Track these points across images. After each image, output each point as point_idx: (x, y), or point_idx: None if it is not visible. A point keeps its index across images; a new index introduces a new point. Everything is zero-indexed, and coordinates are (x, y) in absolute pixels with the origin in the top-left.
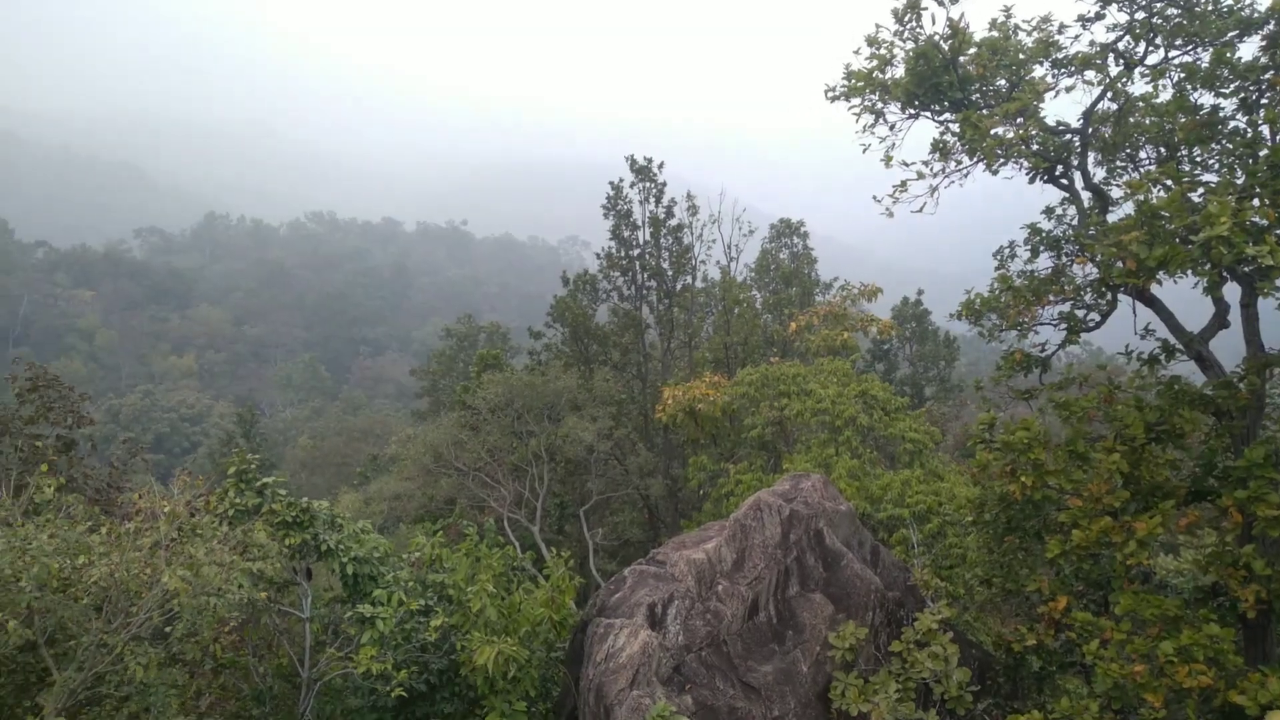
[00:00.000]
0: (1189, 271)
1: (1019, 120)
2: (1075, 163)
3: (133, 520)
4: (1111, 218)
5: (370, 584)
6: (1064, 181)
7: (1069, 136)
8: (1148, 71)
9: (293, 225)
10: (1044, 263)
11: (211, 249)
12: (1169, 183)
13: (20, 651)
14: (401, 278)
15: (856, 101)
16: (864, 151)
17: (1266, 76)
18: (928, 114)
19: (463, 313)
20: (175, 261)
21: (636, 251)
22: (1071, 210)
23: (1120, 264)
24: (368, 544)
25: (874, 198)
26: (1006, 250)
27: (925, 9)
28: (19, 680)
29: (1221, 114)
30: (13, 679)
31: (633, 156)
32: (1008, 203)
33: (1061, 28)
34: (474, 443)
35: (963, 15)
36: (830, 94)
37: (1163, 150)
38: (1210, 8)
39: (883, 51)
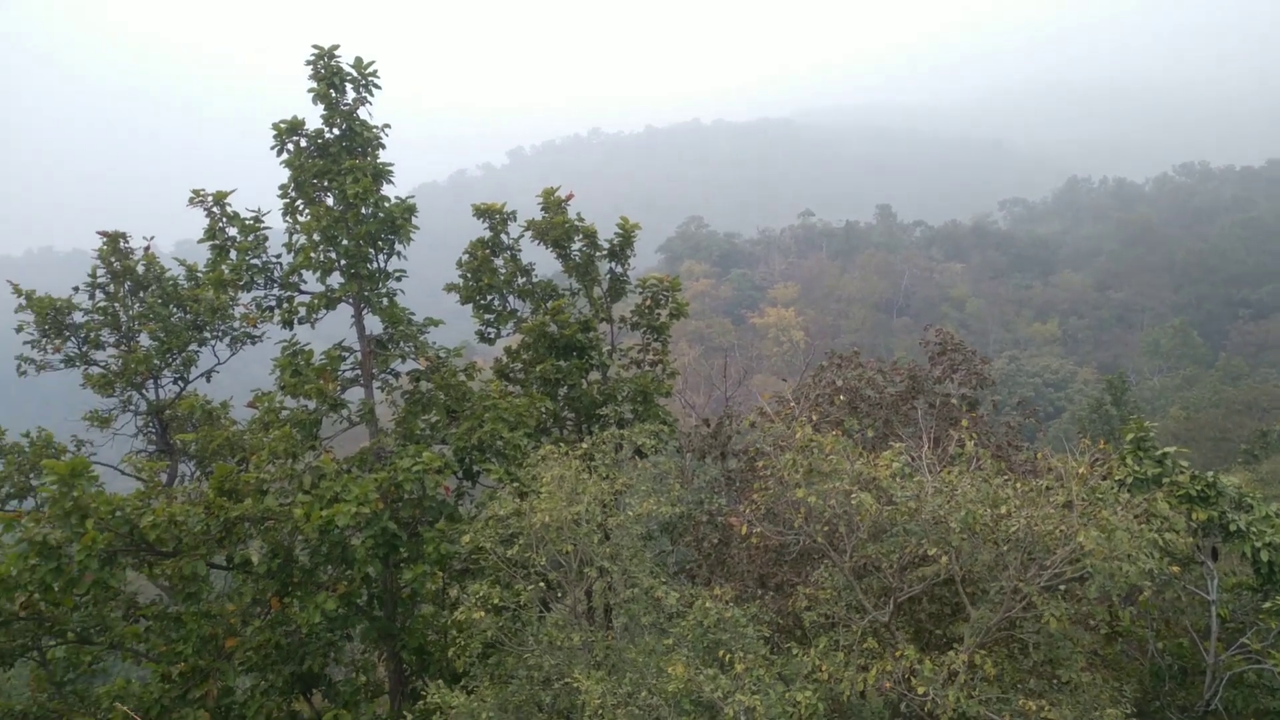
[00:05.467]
0: None
1: None
2: None
3: (1044, 478)
4: None
5: None
6: None
7: None
8: None
9: (1158, 180)
10: None
11: (1073, 214)
12: None
13: (940, 585)
14: None
15: None
16: None
17: None
18: None
19: None
20: (1037, 229)
21: None
22: None
23: None
24: None
25: None
26: None
27: None
28: (934, 610)
29: None
30: (929, 608)
31: None
32: None
33: None
34: None
35: None
36: None
37: None
38: None
39: None
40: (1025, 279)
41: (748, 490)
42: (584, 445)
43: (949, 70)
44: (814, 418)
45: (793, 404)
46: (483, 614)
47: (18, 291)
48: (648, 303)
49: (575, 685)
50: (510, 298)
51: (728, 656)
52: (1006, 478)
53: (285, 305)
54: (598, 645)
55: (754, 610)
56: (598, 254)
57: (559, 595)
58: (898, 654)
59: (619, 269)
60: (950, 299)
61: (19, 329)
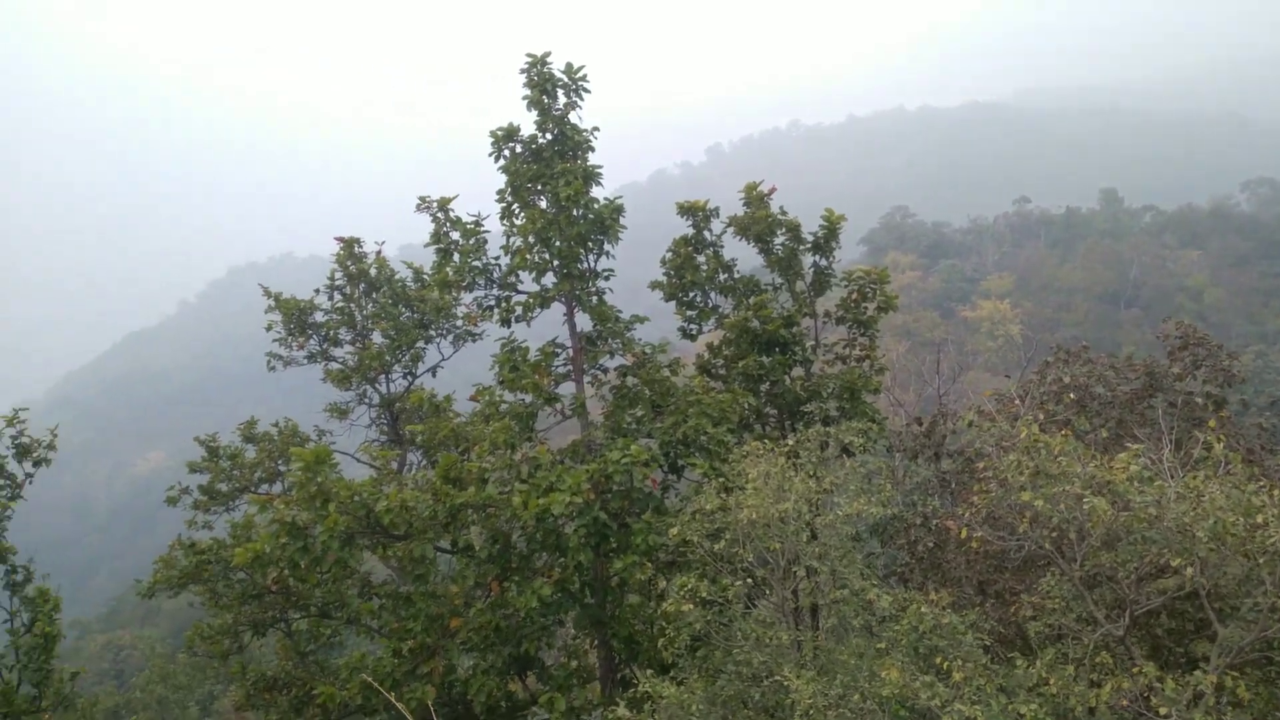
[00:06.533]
0: None
1: None
2: None
3: None
4: None
5: None
6: None
7: None
8: None
9: None
10: None
11: None
12: None
13: (1182, 599)
14: None
15: None
16: None
17: None
18: None
19: None
20: None
21: None
22: None
23: None
24: None
25: None
26: None
27: None
28: (1174, 625)
29: None
30: (1168, 623)
31: None
32: None
33: None
34: None
35: None
36: None
37: None
38: None
39: None
40: (1274, 266)
41: (965, 492)
42: (789, 442)
43: (1170, 43)
44: (1040, 417)
45: (1016, 402)
46: (691, 606)
47: (268, 294)
48: (854, 296)
49: (784, 684)
50: (712, 294)
51: (945, 664)
52: (1261, 484)
53: (503, 304)
54: (806, 644)
55: (973, 618)
56: (801, 247)
57: (765, 592)
58: (1135, 670)
59: (823, 262)
60: (1185, 289)
61: (268, 328)
